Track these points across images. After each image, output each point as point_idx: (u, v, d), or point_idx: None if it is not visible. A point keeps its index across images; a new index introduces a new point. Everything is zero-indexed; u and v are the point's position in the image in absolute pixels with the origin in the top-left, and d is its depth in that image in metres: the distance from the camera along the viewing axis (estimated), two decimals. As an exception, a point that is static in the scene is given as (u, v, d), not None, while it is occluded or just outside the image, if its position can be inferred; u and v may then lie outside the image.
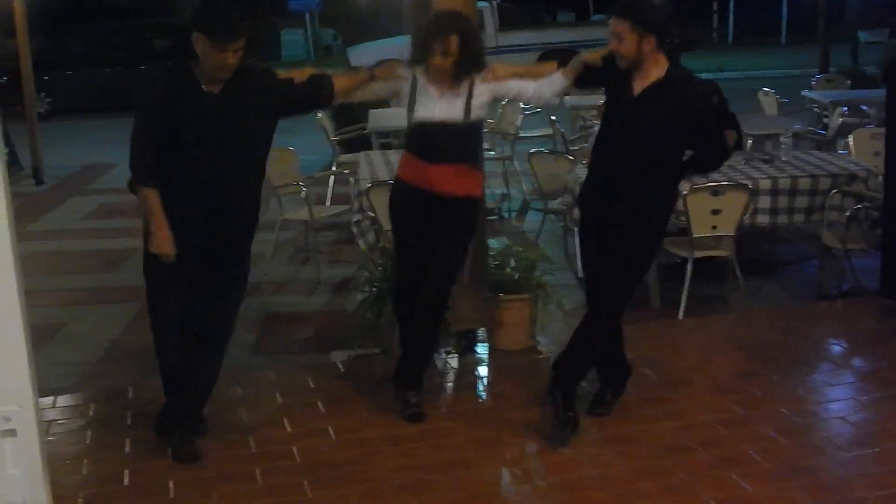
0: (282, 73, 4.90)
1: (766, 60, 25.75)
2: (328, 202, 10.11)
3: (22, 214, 10.29)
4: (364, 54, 21.88)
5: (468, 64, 5.03)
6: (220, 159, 4.54)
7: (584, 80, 5.17)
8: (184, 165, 4.51)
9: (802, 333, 6.31)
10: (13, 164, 13.08)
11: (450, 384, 5.71)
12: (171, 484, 4.60)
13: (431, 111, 5.06)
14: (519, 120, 11.19)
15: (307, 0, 32.69)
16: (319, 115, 10.95)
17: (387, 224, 6.93)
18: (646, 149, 4.82)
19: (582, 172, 7.47)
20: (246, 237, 4.82)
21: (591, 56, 5.08)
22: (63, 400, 5.58)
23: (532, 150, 8.85)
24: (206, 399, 5.00)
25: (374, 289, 5.93)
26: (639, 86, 4.83)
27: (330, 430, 5.10)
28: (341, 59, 25.14)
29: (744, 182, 6.85)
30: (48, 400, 5.52)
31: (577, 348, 5.09)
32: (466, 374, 5.80)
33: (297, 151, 8.95)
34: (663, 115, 4.77)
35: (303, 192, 8.33)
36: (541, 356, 5.92)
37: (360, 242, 7.35)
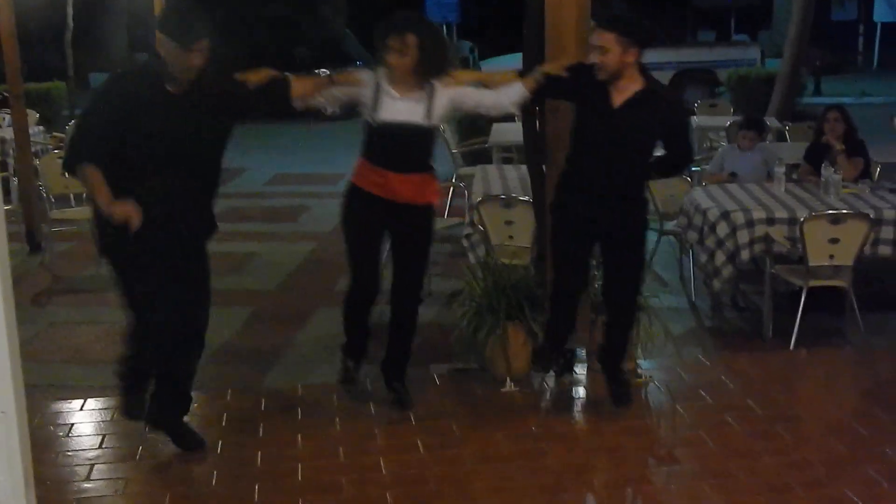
0: (239, 76, 4.81)
1: (912, 87, 24.80)
2: (446, 214, 10.12)
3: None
4: (498, 67, 21.95)
5: (428, 66, 5.03)
6: (181, 160, 4.51)
7: (545, 91, 5.26)
8: (143, 166, 4.47)
9: (922, 373, 6.02)
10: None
11: (545, 404, 5.62)
12: (256, 487, 4.64)
13: (393, 112, 5.05)
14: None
15: (447, 12, 32.93)
16: (442, 126, 10.95)
17: (496, 239, 6.94)
18: (632, 158, 5.04)
19: (699, 194, 7.32)
20: (202, 237, 4.78)
21: (554, 67, 5.19)
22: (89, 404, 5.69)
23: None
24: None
25: (475, 303, 5.89)
26: (618, 97, 4.94)
27: (419, 444, 5.08)
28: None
29: (866, 211, 6.57)
30: (77, 403, 5.67)
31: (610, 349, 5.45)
32: (563, 394, 5.71)
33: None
34: (647, 126, 4.97)
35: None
36: (640, 381, 5.78)
37: (471, 256, 7.34)
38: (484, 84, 5.33)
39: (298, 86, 4.99)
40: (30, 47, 13.99)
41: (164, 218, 4.50)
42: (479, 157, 11.46)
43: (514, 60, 18.56)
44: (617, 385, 5.42)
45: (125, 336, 5.09)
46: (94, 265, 8.07)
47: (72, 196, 9.40)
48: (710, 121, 12.35)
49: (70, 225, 9.31)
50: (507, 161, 10.58)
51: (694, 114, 13.54)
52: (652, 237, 9.07)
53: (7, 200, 10.63)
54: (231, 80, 4.76)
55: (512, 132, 10.57)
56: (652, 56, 20.06)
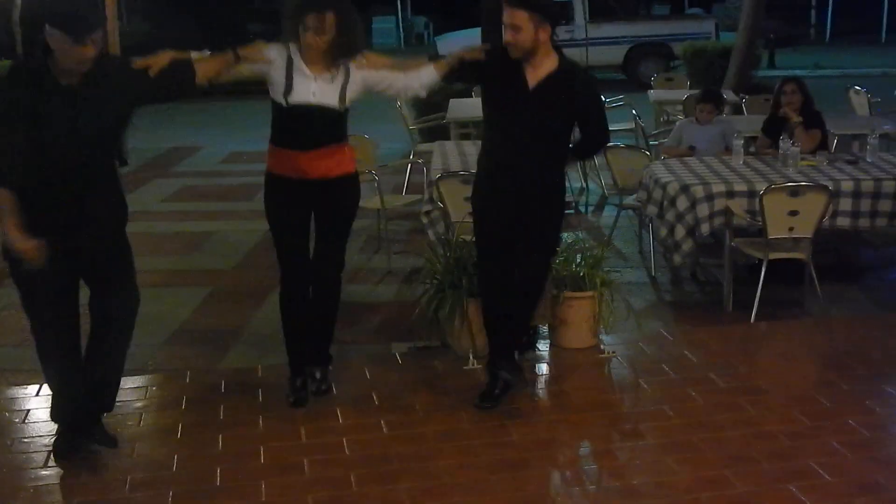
0: (139, 62, 4.61)
1: (864, 59, 25.04)
2: (405, 191, 10.06)
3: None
4: (452, 43, 21.86)
5: (345, 46, 4.91)
6: (78, 153, 4.34)
7: (457, 76, 5.24)
8: (41, 163, 4.29)
9: (881, 343, 6.06)
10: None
11: (509, 381, 5.58)
12: (218, 470, 4.58)
13: (307, 94, 4.93)
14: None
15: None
16: (398, 103, 10.89)
17: (455, 216, 6.88)
18: (549, 138, 4.98)
19: (658, 168, 7.31)
20: (110, 229, 4.59)
21: (469, 52, 5.14)
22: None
23: (608, 144, 8.65)
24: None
25: (436, 281, 5.85)
26: (533, 77, 4.90)
27: (382, 423, 5.03)
28: (431, 47, 25.15)
29: (824, 183, 6.59)
30: (32, 388, 5.57)
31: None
32: (526, 371, 5.68)
33: (375, 140, 8.90)
34: (563, 105, 4.94)
35: (375, 181, 8.27)
36: (604, 356, 5.77)
37: (430, 233, 7.30)
38: (393, 68, 5.17)
39: (202, 67, 4.79)
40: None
41: (66, 209, 4.35)
42: (437, 132, 11.40)
43: (471, 36, 18.48)
44: (493, 379, 5.22)
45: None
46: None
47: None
48: (667, 94, 12.37)
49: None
50: (465, 137, 10.52)
51: (651, 87, 13.57)
52: (611, 211, 9.12)
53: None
54: (130, 67, 4.57)
55: (469, 107, 10.52)
56: (606, 30, 20.18)
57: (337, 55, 4.92)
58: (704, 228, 6.74)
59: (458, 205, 6.91)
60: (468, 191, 6.84)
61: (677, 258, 6.92)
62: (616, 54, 21.36)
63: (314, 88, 4.93)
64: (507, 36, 4.84)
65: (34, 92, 4.26)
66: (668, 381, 5.50)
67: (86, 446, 4.73)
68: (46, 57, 4.27)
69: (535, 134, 4.94)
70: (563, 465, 4.69)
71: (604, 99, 10.97)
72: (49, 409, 4.80)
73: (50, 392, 4.80)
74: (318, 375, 5.36)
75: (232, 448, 4.82)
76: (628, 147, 9.22)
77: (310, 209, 5.13)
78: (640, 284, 7.38)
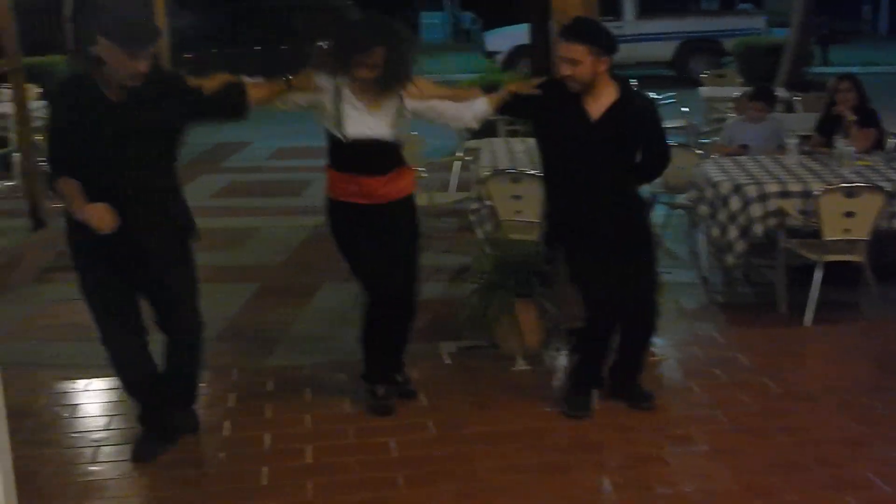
0: (192, 81, 4.61)
1: (922, 54, 24.61)
2: (453, 188, 10.01)
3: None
4: (499, 39, 21.79)
5: (394, 77, 4.83)
6: (126, 168, 4.33)
7: (510, 109, 5.17)
8: (91, 177, 4.29)
9: (939, 348, 5.93)
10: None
11: (555, 383, 5.52)
12: (264, 470, 4.58)
13: (362, 128, 4.87)
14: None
15: (449, -18, 32.73)
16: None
17: (503, 214, 6.84)
18: (617, 170, 4.88)
19: (710, 167, 7.21)
20: (165, 244, 4.60)
21: (522, 86, 5.07)
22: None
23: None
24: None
25: (484, 280, 5.81)
26: (595, 108, 4.81)
27: (430, 423, 5.01)
28: (479, 42, 25.10)
29: (881, 184, 6.46)
30: (82, 383, 5.61)
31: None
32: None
33: (423, 136, 8.86)
34: (628, 134, 4.83)
35: (422, 178, 8.24)
36: (654, 358, 5.69)
37: (478, 231, 7.26)
38: (445, 98, 5.10)
39: (255, 92, 4.79)
40: (27, 20, 13.82)
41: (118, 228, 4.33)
42: (485, 129, 11.32)
43: (519, 31, 18.37)
44: (632, 397, 5.21)
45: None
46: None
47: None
48: (718, 91, 12.20)
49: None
50: (513, 134, 10.45)
51: (701, 84, 13.42)
52: (662, 211, 9.00)
53: (9, 176, 10.56)
54: (184, 85, 4.56)
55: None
56: (655, 26, 20.00)
57: (386, 86, 4.85)
58: (758, 229, 6.63)
59: (506, 203, 6.87)
60: (516, 189, 6.84)
61: (730, 259, 6.81)
62: (665, 50, 21.15)
63: (368, 121, 4.87)
64: (564, 70, 4.73)
65: (80, 104, 4.27)
66: (718, 385, 5.41)
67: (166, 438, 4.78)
68: (96, 68, 4.27)
69: (603, 165, 4.84)
70: (609, 469, 4.62)
71: (653, 95, 10.95)
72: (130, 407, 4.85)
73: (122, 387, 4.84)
74: (400, 379, 5.33)
75: (278, 447, 4.82)
76: (679, 145, 9.10)
77: (374, 230, 5.02)
78: (691, 285, 7.28)
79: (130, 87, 4.29)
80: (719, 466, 4.55)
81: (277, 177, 12.11)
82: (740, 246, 6.68)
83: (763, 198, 6.59)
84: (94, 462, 4.73)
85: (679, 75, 20.72)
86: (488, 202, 6.97)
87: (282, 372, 5.79)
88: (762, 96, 8.44)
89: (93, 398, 5.41)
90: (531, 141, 6.92)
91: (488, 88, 5.24)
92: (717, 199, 6.83)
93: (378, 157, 4.93)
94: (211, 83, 4.62)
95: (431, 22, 33.50)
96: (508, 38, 20.89)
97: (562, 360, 5.72)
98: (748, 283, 7.41)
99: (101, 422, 5.14)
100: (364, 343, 5.21)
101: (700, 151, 8.30)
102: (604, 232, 4.90)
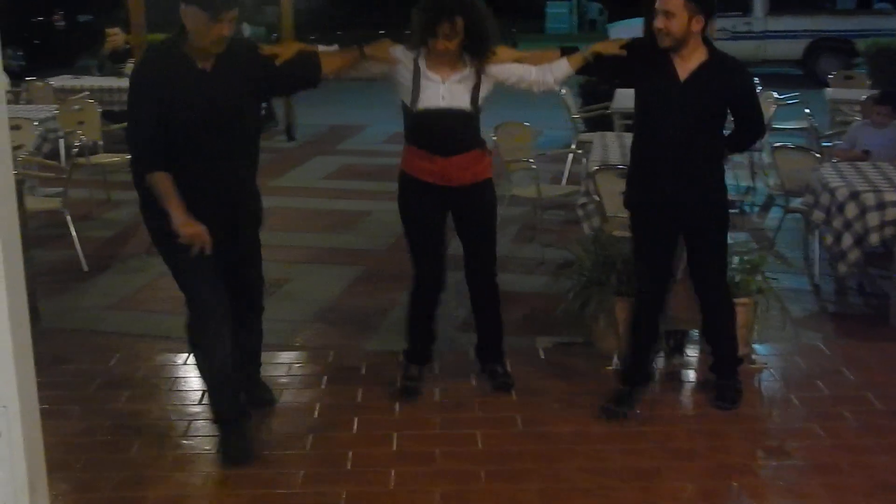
0: (266, 49, 4.60)
1: None
2: (564, 181, 9.93)
3: (269, 170, 10.63)
4: (624, 31, 21.46)
5: (475, 47, 4.78)
6: (217, 138, 4.33)
7: (593, 70, 5.13)
8: (181, 148, 4.28)
9: None
10: (269, 118, 13.66)
11: (651, 385, 5.38)
12: (350, 454, 4.59)
13: (436, 99, 4.81)
14: (772, 110, 10.58)
15: (577, -28, 32.45)
16: (563, 91, 10.73)
17: (610, 209, 6.73)
18: (703, 132, 4.76)
19: (827, 172, 6.98)
20: (250, 216, 4.67)
21: (607, 46, 4.98)
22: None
23: (776, 144, 8.32)
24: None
25: (584, 276, 5.72)
26: (684, 69, 4.71)
27: (518, 419, 4.96)
28: (604, 34, 24.83)
29: None
30: (182, 356, 5.69)
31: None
32: (670, 377, 5.51)
33: (536, 127, 8.80)
34: (716, 96, 4.72)
35: (533, 169, 8.18)
36: (755, 366, 5.53)
37: (585, 226, 7.17)
38: (524, 60, 5.06)
39: (328, 61, 4.77)
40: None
41: (208, 202, 4.37)
42: (601, 122, 11.20)
43: (639, 24, 18.04)
44: (721, 388, 5.18)
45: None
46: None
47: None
48: (845, 93, 11.80)
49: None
50: (629, 129, 10.29)
51: (828, 85, 13.01)
52: (777, 214, 8.76)
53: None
54: (258, 52, 4.56)
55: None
56: (787, 23, 19.43)
57: (466, 57, 4.85)
58: (874, 238, 6.39)
59: (614, 199, 6.74)
60: (624, 185, 6.70)
61: (843, 267, 6.58)
62: (795, 48, 20.56)
63: (443, 92, 4.85)
64: (658, 22, 4.67)
65: (171, 75, 4.29)
66: (820, 399, 5.23)
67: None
68: (183, 39, 4.30)
69: (689, 127, 4.74)
70: (697, 478, 4.48)
71: (776, 95, 10.67)
72: (210, 405, 4.80)
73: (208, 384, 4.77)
74: (499, 370, 5.33)
75: (365, 432, 4.84)
76: (797, 147, 8.84)
77: (445, 213, 5.07)
78: (801, 292, 7.06)
79: (217, 56, 4.32)
80: (814, 484, 4.39)
81: (391, 161, 12.07)
82: (854, 255, 6.45)
83: (881, 206, 6.35)
84: (186, 436, 4.81)
85: (807, 75, 20.16)
86: (596, 197, 6.87)
87: (376, 357, 5.80)
88: (888, 100, 8.14)
89: (191, 372, 5.49)
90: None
91: (567, 51, 5.17)
92: (833, 206, 6.60)
93: (453, 131, 4.90)
94: (285, 52, 4.63)
95: (557, 12, 33.29)
96: (632, 30, 20.55)
97: (659, 362, 5.60)
98: (861, 293, 7.15)
99: (197, 396, 5.22)
100: (409, 322, 5.29)
101: (818, 155, 8.03)
102: (682, 200, 4.82)
